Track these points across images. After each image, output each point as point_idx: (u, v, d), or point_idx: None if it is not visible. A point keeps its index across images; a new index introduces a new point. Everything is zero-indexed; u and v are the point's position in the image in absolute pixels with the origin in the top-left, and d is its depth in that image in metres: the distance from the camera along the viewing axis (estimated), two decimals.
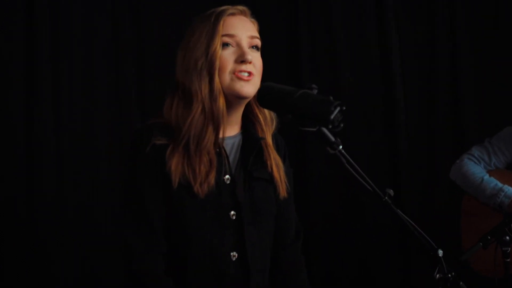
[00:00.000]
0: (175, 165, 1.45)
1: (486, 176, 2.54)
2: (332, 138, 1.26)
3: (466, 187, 2.60)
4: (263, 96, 1.32)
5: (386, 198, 1.32)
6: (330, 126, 1.20)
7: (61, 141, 2.85)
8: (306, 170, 3.22)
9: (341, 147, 1.26)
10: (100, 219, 2.87)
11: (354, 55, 3.24)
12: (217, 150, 1.49)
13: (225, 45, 1.49)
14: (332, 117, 1.18)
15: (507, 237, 1.98)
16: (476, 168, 2.59)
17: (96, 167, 2.91)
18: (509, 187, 2.46)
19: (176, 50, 1.57)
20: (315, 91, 1.26)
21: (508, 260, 1.99)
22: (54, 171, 2.82)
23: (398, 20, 3.22)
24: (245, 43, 1.51)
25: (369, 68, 3.25)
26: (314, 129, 1.25)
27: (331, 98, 1.20)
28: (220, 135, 1.50)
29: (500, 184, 2.48)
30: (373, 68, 3.25)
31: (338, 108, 1.19)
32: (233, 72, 1.48)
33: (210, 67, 1.47)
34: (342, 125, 1.21)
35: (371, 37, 3.24)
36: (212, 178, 1.46)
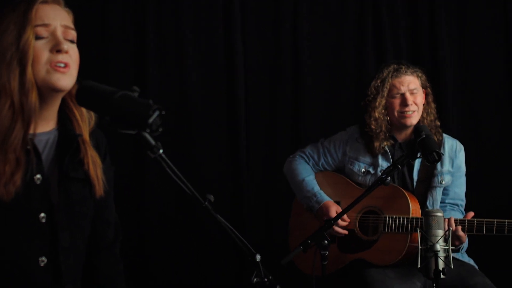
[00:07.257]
0: None
1: (309, 177, 2.57)
2: (153, 142, 1.24)
3: (291, 183, 2.64)
4: (82, 95, 1.26)
5: (206, 203, 1.33)
6: (148, 130, 1.18)
7: None
8: (143, 171, 3.21)
9: (161, 151, 1.25)
10: None
11: (201, 60, 3.30)
12: (27, 148, 1.39)
13: (39, 36, 1.39)
14: (150, 121, 1.17)
15: (326, 242, 2.07)
16: (303, 166, 2.61)
17: None
18: (323, 194, 2.51)
19: None
20: (136, 94, 1.23)
21: (325, 263, 2.08)
22: None
23: (244, 24, 3.33)
24: (59, 33, 1.42)
25: (214, 73, 3.34)
26: (134, 132, 1.23)
27: (151, 102, 1.19)
28: (32, 131, 1.39)
29: (316, 189, 2.52)
30: (218, 72, 3.34)
31: (157, 112, 1.18)
32: (49, 64, 1.38)
33: (22, 57, 1.36)
34: (160, 129, 1.20)
35: (218, 44, 3.32)
36: (18, 179, 1.35)
